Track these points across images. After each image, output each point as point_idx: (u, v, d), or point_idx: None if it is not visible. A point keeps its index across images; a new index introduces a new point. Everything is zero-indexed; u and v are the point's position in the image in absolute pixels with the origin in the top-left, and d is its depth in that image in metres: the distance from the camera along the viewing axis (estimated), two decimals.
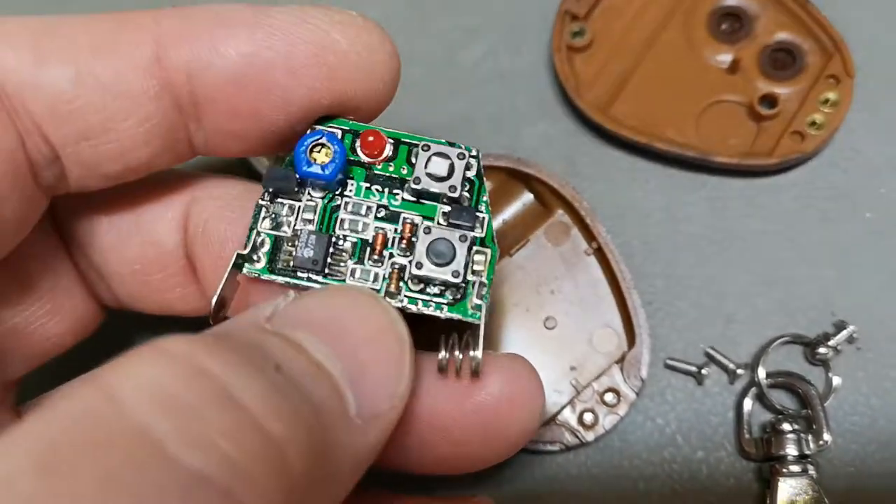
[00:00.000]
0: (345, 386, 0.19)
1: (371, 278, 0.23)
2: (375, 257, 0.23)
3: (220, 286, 0.22)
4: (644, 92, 0.36)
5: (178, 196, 0.26)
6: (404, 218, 0.23)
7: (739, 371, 0.32)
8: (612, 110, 0.35)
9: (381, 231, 0.23)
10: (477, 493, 0.32)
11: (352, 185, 0.23)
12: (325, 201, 0.23)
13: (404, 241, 0.23)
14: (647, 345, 0.32)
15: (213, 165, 0.34)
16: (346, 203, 0.23)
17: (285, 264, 0.23)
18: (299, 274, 0.23)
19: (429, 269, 0.22)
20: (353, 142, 0.24)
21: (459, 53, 0.38)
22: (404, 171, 0.23)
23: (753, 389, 0.32)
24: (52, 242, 0.26)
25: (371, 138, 0.23)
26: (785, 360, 0.33)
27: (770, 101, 0.35)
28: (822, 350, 0.32)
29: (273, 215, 0.23)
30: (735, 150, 0.35)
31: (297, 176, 0.23)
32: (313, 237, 0.23)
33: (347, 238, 0.23)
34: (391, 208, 0.23)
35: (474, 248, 0.23)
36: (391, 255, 0.23)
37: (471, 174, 0.23)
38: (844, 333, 0.32)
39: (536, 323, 0.33)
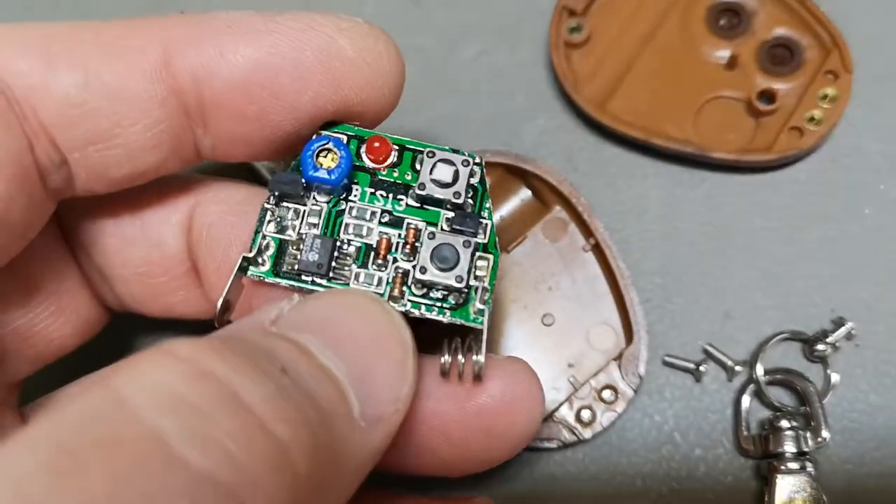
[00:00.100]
0: (349, 389, 0.19)
1: (375, 282, 0.23)
2: (379, 262, 0.23)
3: (226, 289, 0.23)
4: (642, 88, 0.36)
5: (182, 200, 0.26)
6: (408, 223, 0.23)
7: (738, 368, 0.32)
8: (610, 106, 0.35)
9: (385, 236, 0.23)
10: (475, 491, 0.32)
11: (357, 190, 0.24)
12: (331, 206, 0.24)
13: (408, 246, 0.23)
14: (644, 342, 0.32)
15: (216, 169, 0.33)
16: (351, 208, 0.24)
17: (290, 268, 0.23)
18: (304, 277, 0.23)
19: (432, 274, 0.23)
20: (359, 147, 0.24)
21: (457, 49, 0.38)
22: (409, 177, 0.24)
23: (752, 386, 0.32)
24: (57, 245, 0.26)
25: (377, 144, 0.24)
26: (783, 356, 0.33)
27: (768, 96, 0.35)
28: (820, 347, 0.32)
29: (278, 219, 0.23)
30: (733, 145, 0.34)
31: (304, 180, 0.23)
32: (318, 241, 0.23)
33: (352, 242, 0.23)
34: (395, 213, 0.24)
35: (477, 253, 0.23)
36: (395, 260, 0.23)
37: (474, 181, 0.24)
38: (843, 330, 0.32)
39: (534, 320, 0.33)
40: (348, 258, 0.23)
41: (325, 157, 0.23)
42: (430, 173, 0.23)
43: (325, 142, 0.23)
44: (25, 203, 0.21)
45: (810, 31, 0.35)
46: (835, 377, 0.32)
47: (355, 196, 0.24)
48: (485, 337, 0.22)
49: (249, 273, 0.23)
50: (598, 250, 0.33)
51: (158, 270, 0.26)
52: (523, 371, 0.24)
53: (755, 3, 0.36)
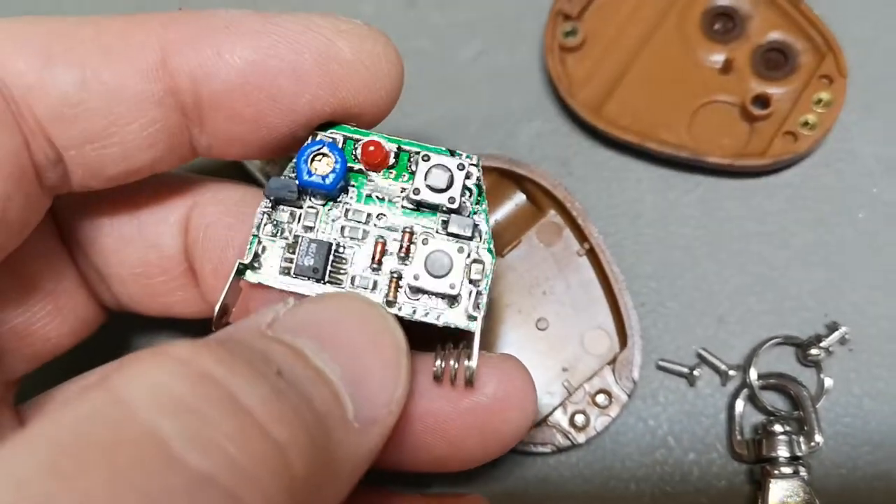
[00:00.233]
0: (343, 391, 0.19)
1: (370, 286, 0.23)
2: (375, 265, 0.23)
3: (223, 294, 0.23)
4: (637, 92, 0.36)
5: (179, 201, 0.26)
6: (404, 226, 0.24)
7: (731, 372, 0.32)
8: (605, 110, 0.35)
9: (380, 239, 0.23)
10: (469, 492, 0.32)
11: (353, 191, 0.24)
12: (326, 208, 0.24)
13: (403, 250, 0.23)
14: (638, 346, 0.32)
15: (211, 169, 0.33)
16: (347, 210, 0.24)
17: (287, 271, 0.23)
18: (300, 281, 0.23)
19: (426, 281, 0.23)
20: (355, 148, 0.24)
21: (452, 52, 0.38)
22: (405, 179, 0.24)
23: (745, 391, 0.32)
24: (54, 245, 0.26)
25: (372, 148, 0.23)
26: (777, 361, 0.33)
27: (763, 101, 0.35)
28: (814, 351, 0.32)
29: (275, 222, 0.24)
30: (728, 150, 0.34)
31: (298, 184, 0.23)
32: (314, 245, 0.23)
33: (348, 246, 0.23)
34: (391, 216, 0.24)
35: (473, 256, 0.23)
36: (390, 263, 0.23)
37: (470, 182, 0.24)
38: (836, 335, 0.32)
39: (528, 324, 0.33)
40: (344, 261, 0.23)
41: (320, 161, 0.23)
42: (425, 178, 0.23)
43: (319, 146, 0.23)
44: (22, 200, 0.22)
45: (805, 36, 0.35)
46: (828, 382, 0.32)
47: (351, 198, 0.24)
48: (477, 341, 0.23)
49: (246, 276, 0.23)
50: (592, 254, 0.33)
51: (155, 270, 0.27)
52: (516, 368, 0.24)
53: (750, 7, 0.36)
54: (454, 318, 0.23)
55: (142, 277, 0.27)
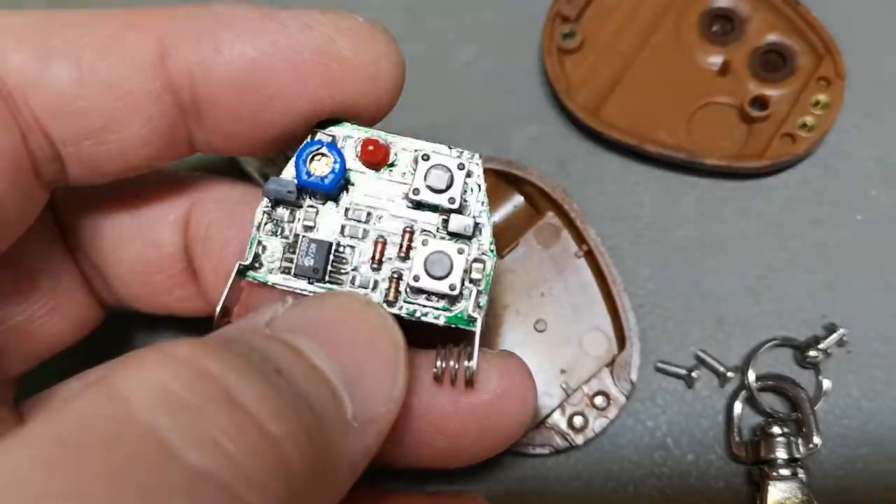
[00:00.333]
0: (342, 389, 0.19)
1: (370, 285, 0.23)
2: (375, 265, 0.23)
3: (224, 295, 0.23)
4: (635, 94, 0.36)
5: (179, 199, 0.26)
6: (404, 225, 0.23)
7: (730, 374, 0.32)
8: (603, 112, 0.35)
9: (380, 238, 0.23)
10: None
11: (353, 190, 0.24)
12: (326, 208, 0.24)
13: (403, 250, 0.23)
14: (637, 348, 0.32)
15: (208, 166, 0.33)
16: (347, 209, 0.24)
17: (286, 271, 0.23)
18: (300, 281, 0.23)
19: (426, 282, 0.23)
20: (354, 146, 0.24)
21: (450, 55, 0.38)
22: (405, 177, 0.24)
23: (743, 392, 0.32)
24: (54, 243, 0.26)
25: (371, 148, 0.23)
26: (775, 363, 0.33)
27: (761, 103, 0.35)
28: (812, 353, 0.32)
29: (275, 221, 0.23)
30: (726, 152, 0.35)
31: (297, 185, 0.23)
32: (313, 246, 0.23)
33: (348, 245, 0.23)
34: (391, 214, 0.24)
35: (473, 255, 0.23)
36: (390, 262, 0.23)
37: (471, 181, 0.23)
38: (835, 336, 0.32)
39: (527, 326, 0.33)
40: (344, 261, 0.23)
41: (319, 161, 0.23)
42: (425, 179, 0.23)
43: (318, 146, 0.23)
44: (19, 195, 0.22)
45: (803, 38, 0.35)
46: (826, 383, 0.32)
47: (351, 197, 0.24)
48: (477, 341, 0.23)
49: (247, 276, 0.23)
50: (590, 256, 0.33)
51: (155, 269, 0.26)
52: (517, 365, 0.24)
53: (748, 9, 0.36)
54: (455, 318, 0.23)
55: (141, 276, 0.27)
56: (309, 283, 0.23)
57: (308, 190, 0.23)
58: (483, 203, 0.24)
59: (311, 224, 0.23)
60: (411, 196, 0.23)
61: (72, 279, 0.27)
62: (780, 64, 0.36)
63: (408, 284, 0.23)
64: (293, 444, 0.17)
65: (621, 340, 0.32)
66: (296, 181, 0.23)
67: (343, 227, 0.23)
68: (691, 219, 0.35)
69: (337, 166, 0.23)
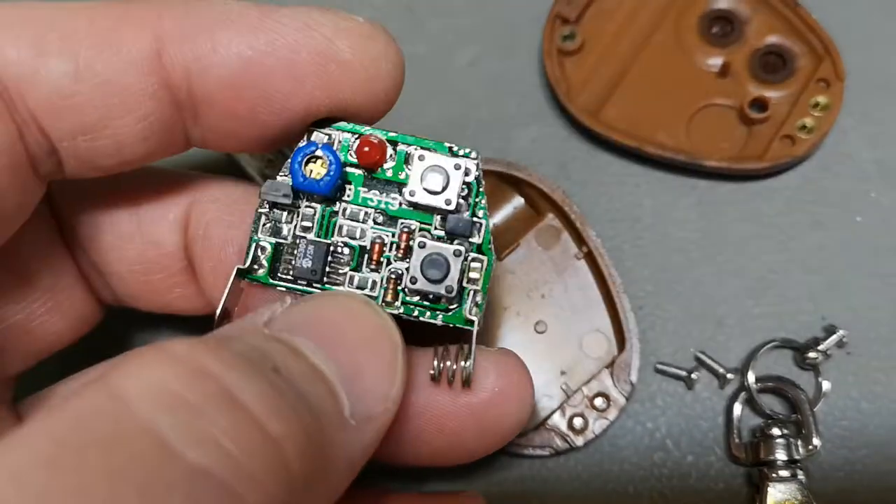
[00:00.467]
0: (340, 388, 0.20)
1: (369, 285, 0.23)
2: (373, 266, 0.23)
3: (224, 298, 0.23)
4: (635, 95, 0.36)
5: (178, 198, 0.26)
6: (402, 224, 0.23)
7: (729, 375, 0.32)
8: (603, 114, 0.35)
9: (378, 239, 0.23)
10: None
11: (350, 189, 0.24)
12: (323, 208, 0.24)
13: (401, 250, 0.23)
14: (636, 349, 0.32)
15: (207, 165, 0.34)
16: (344, 209, 0.24)
17: (285, 272, 0.23)
18: (299, 282, 0.23)
19: (423, 285, 0.23)
20: (351, 145, 0.24)
21: (450, 57, 0.38)
22: (402, 176, 0.24)
23: (743, 394, 0.32)
24: (53, 241, 0.26)
25: (367, 149, 0.23)
26: (775, 364, 0.33)
27: (760, 104, 0.35)
28: (811, 355, 0.32)
29: (273, 222, 0.23)
30: (725, 153, 0.35)
31: (293, 187, 0.23)
32: (311, 247, 0.23)
33: (345, 245, 0.23)
34: (389, 213, 0.24)
35: (471, 255, 0.23)
36: (388, 262, 0.23)
37: (469, 179, 0.23)
38: (834, 338, 0.32)
39: (527, 327, 0.33)
40: (342, 261, 0.23)
41: (315, 163, 0.23)
42: (421, 181, 0.23)
43: (313, 149, 0.23)
44: (17, 189, 0.22)
45: (802, 40, 0.35)
46: (826, 385, 0.32)
47: (348, 197, 0.24)
48: (474, 341, 0.23)
49: (246, 278, 0.23)
50: (590, 258, 0.33)
51: (154, 267, 0.26)
52: (514, 363, 0.24)
53: (748, 11, 0.36)
54: (453, 318, 0.23)
55: (141, 274, 0.27)
56: (307, 284, 0.23)
57: (304, 192, 0.23)
58: (481, 201, 0.23)
59: (309, 225, 0.23)
60: (407, 198, 0.23)
61: (71, 278, 0.27)
62: (780, 65, 0.36)
63: (406, 284, 0.23)
64: (292, 442, 0.17)
65: (621, 342, 0.32)
66: (291, 184, 0.23)
67: (341, 227, 0.23)
68: (691, 220, 0.35)
69: (332, 168, 0.23)
